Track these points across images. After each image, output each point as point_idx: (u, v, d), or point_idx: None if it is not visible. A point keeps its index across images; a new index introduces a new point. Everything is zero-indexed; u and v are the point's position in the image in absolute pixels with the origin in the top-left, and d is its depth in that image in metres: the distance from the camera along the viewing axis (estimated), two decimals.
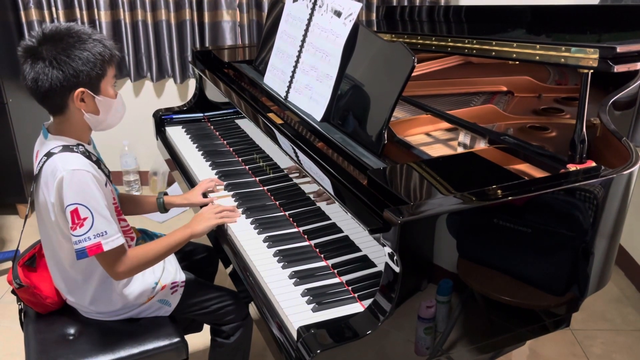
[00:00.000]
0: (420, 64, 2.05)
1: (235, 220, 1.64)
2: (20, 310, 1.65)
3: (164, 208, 1.83)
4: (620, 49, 1.30)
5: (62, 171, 1.34)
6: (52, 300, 1.58)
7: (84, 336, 1.54)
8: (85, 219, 1.35)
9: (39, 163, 1.41)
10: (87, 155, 1.42)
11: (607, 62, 1.30)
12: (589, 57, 1.32)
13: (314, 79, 1.69)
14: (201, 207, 1.78)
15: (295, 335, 1.21)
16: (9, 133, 2.97)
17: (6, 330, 2.37)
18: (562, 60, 1.38)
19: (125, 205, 1.75)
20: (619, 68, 1.30)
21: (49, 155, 1.39)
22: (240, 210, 1.69)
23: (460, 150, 1.60)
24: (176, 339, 1.55)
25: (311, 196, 1.59)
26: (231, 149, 2.14)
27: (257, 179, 1.89)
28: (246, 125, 2.08)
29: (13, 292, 1.58)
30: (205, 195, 1.81)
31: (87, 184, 1.36)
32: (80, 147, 1.43)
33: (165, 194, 1.84)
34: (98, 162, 1.47)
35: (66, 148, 1.40)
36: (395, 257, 1.12)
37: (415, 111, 1.78)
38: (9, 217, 3.23)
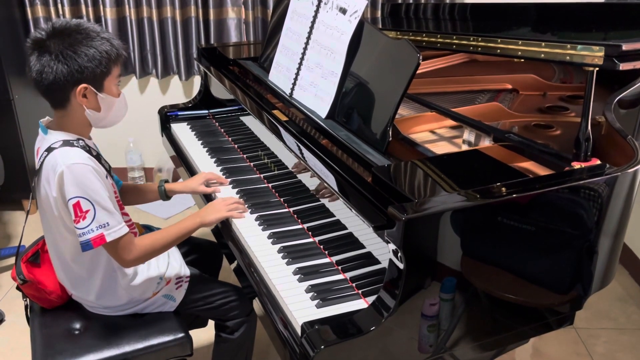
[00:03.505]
0: (425, 61, 2.05)
1: (243, 216, 1.65)
2: (26, 306, 1.66)
3: (165, 195, 1.83)
4: (625, 46, 1.30)
5: (62, 165, 1.35)
6: (57, 295, 1.59)
7: (89, 331, 1.55)
8: (87, 211, 1.36)
9: (39, 158, 1.42)
10: (87, 149, 1.43)
11: (613, 60, 1.30)
12: (595, 55, 1.31)
13: (319, 76, 1.69)
14: (204, 196, 1.80)
15: (299, 331, 1.21)
16: (14, 129, 2.98)
17: (12, 325, 2.38)
18: (568, 58, 1.37)
19: (128, 195, 1.76)
20: (624, 66, 1.30)
21: (49, 150, 1.40)
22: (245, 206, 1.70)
23: (464, 147, 1.60)
24: (181, 334, 1.56)
25: (315, 193, 1.60)
26: (236, 145, 2.14)
27: (262, 175, 1.89)
28: (251, 122, 2.09)
29: (18, 288, 1.59)
30: (207, 186, 1.82)
31: (87, 177, 1.37)
32: (80, 141, 1.43)
33: (166, 181, 1.85)
34: (98, 157, 1.48)
35: (66, 143, 1.40)
36: (399, 254, 1.12)
37: (420, 109, 1.78)
38: (15, 213, 3.25)
